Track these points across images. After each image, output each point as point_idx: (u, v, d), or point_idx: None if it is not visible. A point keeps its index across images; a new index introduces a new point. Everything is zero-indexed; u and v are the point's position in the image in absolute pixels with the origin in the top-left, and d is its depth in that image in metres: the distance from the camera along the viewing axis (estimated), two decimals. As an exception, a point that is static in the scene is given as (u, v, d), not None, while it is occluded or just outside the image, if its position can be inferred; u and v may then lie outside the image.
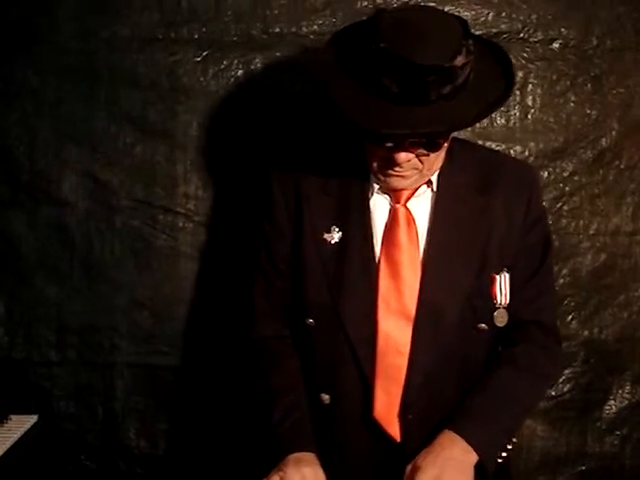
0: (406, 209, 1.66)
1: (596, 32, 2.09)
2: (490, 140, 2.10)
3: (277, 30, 2.07)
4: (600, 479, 2.20)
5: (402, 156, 1.53)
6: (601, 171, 2.13)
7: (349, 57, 1.56)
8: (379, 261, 1.65)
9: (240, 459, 2.11)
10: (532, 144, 2.11)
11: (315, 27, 2.07)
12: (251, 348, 1.78)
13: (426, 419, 1.64)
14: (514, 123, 2.11)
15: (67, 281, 2.16)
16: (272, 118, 2.10)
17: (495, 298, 1.67)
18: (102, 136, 2.12)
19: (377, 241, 1.66)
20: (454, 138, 1.66)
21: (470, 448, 1.57)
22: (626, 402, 2.18)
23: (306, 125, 2.07)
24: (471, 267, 1.65)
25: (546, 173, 2.12)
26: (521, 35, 2.09)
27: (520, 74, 2.09)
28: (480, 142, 2.07)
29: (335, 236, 1.67)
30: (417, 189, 1.66)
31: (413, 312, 1.63)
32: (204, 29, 2.08)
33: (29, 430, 1.95)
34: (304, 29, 2.07)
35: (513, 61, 1.99)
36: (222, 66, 2.09)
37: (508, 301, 1.68)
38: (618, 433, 2.19)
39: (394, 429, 1.65)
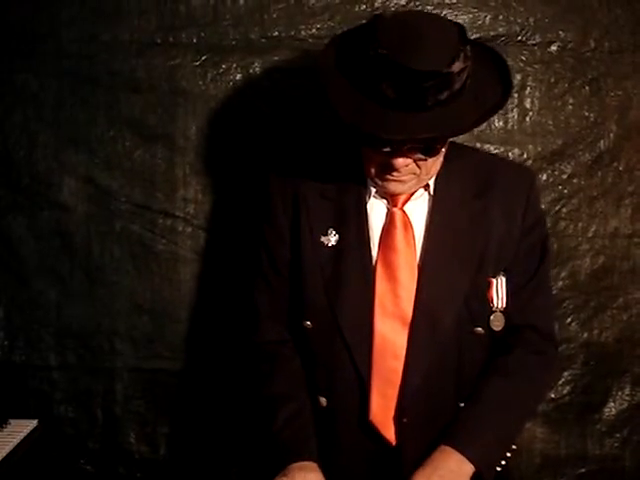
0: (403, 212, 1.66)
1: (594, 35, 2.10)
2: (488, 143, 2.10)
3: (275, 34, 2.08)
4: (600, 481, 2.20)
5: (400, 161, 1.54)
6: (600, 173, 2.13)
7: (348, 62, 1.56)
8: (376, 264, 1.65)
9: (240, 464, 2.11)
10: (530, 147, 2.12)
11: (314, 31, 2.07)
12: (254, 352, 1.79)
13: (422, 423, 1.64)
14: (512, 126, 2.11)
15: (67, 285, 2.16)
16: (271, 122, 2.10)
17: (491, 302, 1.68)
18: (101, 140, 2.13)
19: (374, 244, 1.67)
20: (451, 142, 1.66)
21: (465, 460, 1.58)
22: (626, 404, 2.18)
23: (304, 129, 2.08)
24: (468, 270, 1.65)
25: (544, 176, 2.12)
26: (519, 38, 2.09)
27: (518, 77, 2.09)
28: (478, 145, 2.07)
29: (332, 239, 1.68)
30: (414, 193, 1.67)
31: (409, 315, 1.64)
32: (203, 33, 2.09)
33: (29, 434, 1.95)
34: (302, 33, 2.07)
35: (511, 64, 2.03)
36: (221, 70, 2.10)
37: (505, 305, 1.68)
38: (618, 435, 2.19)
39: (389, 432, 1.66)
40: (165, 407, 2.19)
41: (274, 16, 2.08)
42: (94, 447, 2.20)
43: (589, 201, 2.14)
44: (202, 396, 2.17)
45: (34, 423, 2.00)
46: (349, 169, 1.70)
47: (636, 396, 2.18)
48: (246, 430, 2.08)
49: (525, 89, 2.11)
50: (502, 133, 2.11)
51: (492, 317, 1.68)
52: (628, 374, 2.18)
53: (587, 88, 2.11)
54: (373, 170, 1.60)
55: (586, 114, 2.12)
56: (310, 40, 2.07)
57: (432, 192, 1.68)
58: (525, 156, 2.11)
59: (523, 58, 2.10)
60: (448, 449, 1.59)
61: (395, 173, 1.57)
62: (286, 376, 1.72)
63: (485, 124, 2.09)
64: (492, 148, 2.09)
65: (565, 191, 2.13)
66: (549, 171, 2.12)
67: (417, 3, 2.07)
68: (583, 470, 2.19)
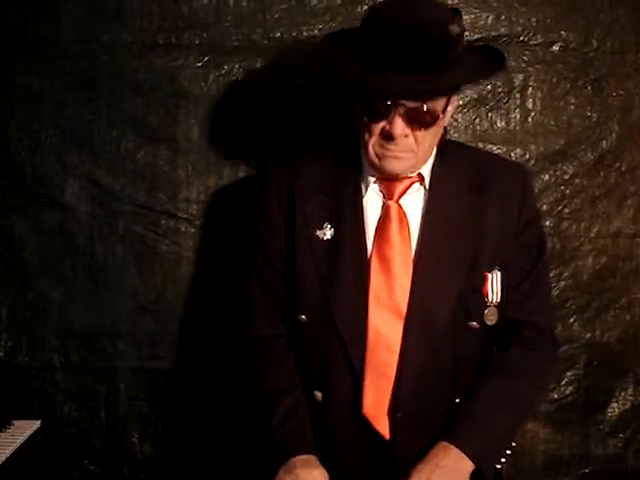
0: (399, 206, 1.67)
1: (596, 35, 2.10)
2: (491, 143, 2.10)
3: (278, 35, 2.08)
4: (603, 482, 2.20)
5: (398, 129, 1.55)
6: (602, 173, 2.13)
7: (347, 40, 1.64)
8: (371, 257, 1.66)
9: (243, 464, 2.10)
10: (533, 147, 2.12)
11: (315, 32, 2.07)
12: (248, 348, 1.79)
13: (415, 418, 1.64)
14: (515, 126, 2.11)
15: (70, 286, 2.17)
16: (273, 123, 2.11)
17: (486, 296, 1.68)
18: (104, 141, 2.13)
19: (369, 238, 1.67)
20: (448, 140, 1.69)
21: (464, 456, 1.58)
22: (629, 404, 2.18)
23: (306, 129, 2.08)
24: (463, 265, 1.66)
25: (547, 176, 2.12)
26: (521, 38, 2.09)
27: (520, 77, 2.10)
28: (481, 145, 2.08)
29: (327, 233, 1.69)
30: (410, 186, 1.68)
31: (404, 309, 1.64)
32: (205, 34, 2.09)
33: (32, 435, 1.95)
34: (304, 34, 2.08)
35: (513, 64, 2.06)
36: (223, 71, 2.10)
37: (499, 299, 1.69)
38: (621, 435, 2.19)
39: (383, 427, 1.65)
40: (168, 407, 2.19)
41: (276, 17, 2.08)
42: (97, 447, 2.20)
43: (591, 201, 2.14)
44: (205, 396, 2.17)
45: (37, 424, 2.00)
46: (345, 165, 1.72)
47: (639, 396, 2.18)
48: (248, 430, 2.08)
49: (527, 89, 2.11)
50: (504, 133, 2.12)
51: (486, 311, 1.68)
52: (631, 374, 2.18)
53: (589, 88, 2.11)
54: (372, 147, 1.61)
55: (588, 114, 2.12)
56: (312, 41, 2.07)
57: (427, 187, 1.69)
58: (527, 156, 2.12)
59: (525, 58, 2.10)
60: (447, 445, 1.59)
61: (393, 147, 1.58)
62: (281, 371, 1.72)
63: (488, 124, 2.11)
64: (494, 148, 2.10)
65: (567, 191, 2.13)
66: (551, 171, 2.12)
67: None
68: (586, 470, 2.19)
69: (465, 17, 2.05)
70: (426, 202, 1.68)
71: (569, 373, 2.17)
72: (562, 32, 2.10)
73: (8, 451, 1.82)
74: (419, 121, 1.57)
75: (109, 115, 2.13)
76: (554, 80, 2.11)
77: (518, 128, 2.11)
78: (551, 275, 2.11)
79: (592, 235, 2.14)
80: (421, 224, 1.67)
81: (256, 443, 1.80)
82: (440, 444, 1.60)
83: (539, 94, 2.11)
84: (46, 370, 2.18)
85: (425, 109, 1.55)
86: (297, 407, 1.67)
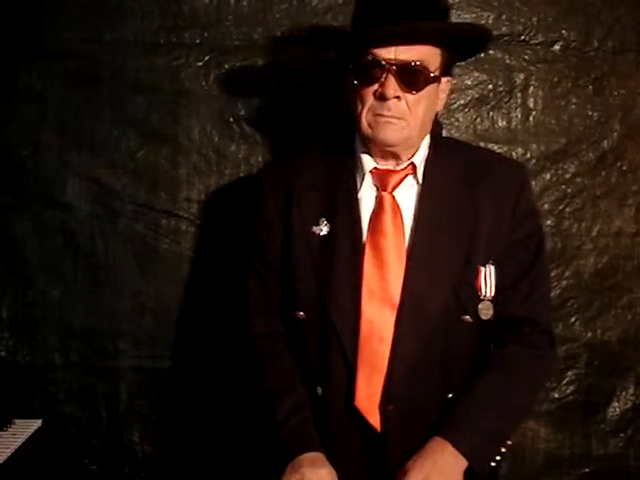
0: (392, 197, 1.68)
1: (597, 34, 2.10)
2: (492, 142, 2.11)
3: (278, 34, 2.08)
4: (604, 481, 2.20)
5: (390, 88, 1.58)
6: (603, 173, 2.13)
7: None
8: (364, 247, 1.67)
9: (244, 462, 2.10)
10: (534, 146, 2.12)
11: (317, 31, 2.08)
12: (246, 346, 1.79)
13: (407, 412, 1.64)
14: (516, 125, 2.11)
15: (71, 285, 2.17)
16: (274, 122, 2.11)
17: (480, 290, 1.68)
18: (105, 140, 2.14)
19: (364, 231, 1.68)
20: (445, 137, 1.72)
21: (459, 454, 1.58)
22: (630, 404, 2.18)
23: (306, 127, 2.08)
24: (456, 258, 1.66)
25: (548, 175, 2.12)
26: (522, 37, 2.10)
27: (521, 76, 2.10)
28: (482, 144, 2.08)
29: (324, 229, 1.70)
30: (404, 178, 1.69)
31: (397, 300, 1.64)
32: (206, 34, 2.10)
33: (33, 434, 1.95)
34: (305, 33, 2.08)
35: (514, 63, 2.07)
36: (224, 70, 2.10)
37: (493, 294, 1.68)
38: (622, 435, 2.19)
39: (375, 419, 1.65)
40: (169, 406, 2.19)
41: (277, 16, 2.09)
42: (98, 446, 2.20)
43: (593, 200, 2.14)
44: (206, 395, 2.17)
45: (38, 423, 2.00)
46: (340, 161, 1.73)
47: (640, 396, 2.18)
48: (248, 429, 2.08)
49: (528, 88, 2.11)
50: (505, 132, 2.12)
51: (480, 305, 1.68)
52: (632, 374, 2.18)
53: (590, 87, 2.12)
54: (365, 119, 1.63)
55: (589, 113, 2.12)
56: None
57: (421, 180, 1.70)
58: (528, 155, 2.12)
59: (526, 57, 2.10)
60: (442, 441, 1.59)
61: (386, 111, 1.60)
62: (281, 369, 1.73)
63: (489, 123, 2.12)
64: (495, 147, 2.10)
65: (569, 190, 2.13)
66: (552, 170, 2.12)
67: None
68: (587, 470, 2.19)
69: (466, 16, 2.07)
70: (419, 195, 1.69)
71: (570, 372, 2.17)
72: (563, 31, 2.10)
73: (9, 450, 1.82)
74: (410, 82, 1.59)
75: (110, 114, 2.13)
76: (555, 79, 2.11)
77: (519, 127, 2.11)
78: (552, 274, 2.12)
79: (593, 234, 2.14)
80: (414, 216, 1.68)
81: (256, 442, 1.80)
82: (435, 439, 1.60)
83: (540, 93, 2.11)
84: (47, 369, 2.18)
85: (416, 64, 1.58)
86: (299, 405, 1.67)
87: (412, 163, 1.69)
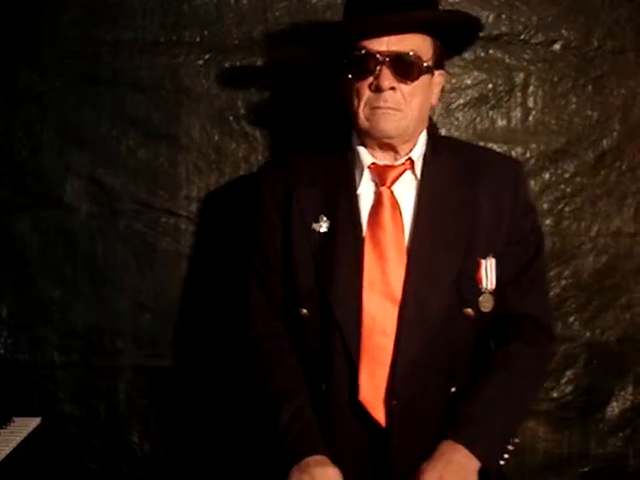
0: (391, 192, 1.69)
1: (597, 34, 2.10)
2: (491, 141, 2.11)
3: (278, 33, 2.08)
4: (603, 481, 2.20)
5: (385, 79, 1.60)
6: (603, 172, 2.13)
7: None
8: (364, 242, 1.68)
9: (243, 462, 2.10)
10: (533, 145, 2.12)
11: (316, 30, 2.08)
12: (250, 348, 1.80)
13: (411, 406, 1.65)
14: (515, 124, 2.12)
15: (70, 284, 2.17)
16: (274, 120, 2.11)
17: (480, 282, 1.69)
18: (105, 139, 2.14)
19: (364, 226, 1.69)
20: (440, 135, 1.74)
21: (472, 455, 1.58)
22: (629, 403, 2.18)
23: (306, 126, 2.09)
24: (456, 251, 1.67)
25: (547, 175, 2.12)
26: (522, 37, 2.10)
27: (521, 76, 2.10)
28: (482, 143, 2.08)
29: (323, 225, 1.71)
30: (402, 173, 1.70)
31: (399, 294, 1.65)
32: (206, 32, 2.10)
33: (32, 433, 1.94)
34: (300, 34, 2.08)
35: (514, 63, 2.07)
36: (224, 69, 2.10)
37: (494, 286, 1.69)
38: (621, 434, 2.19)
39: (379, 414, 1.66)
40: (168, 406, 2.19)
41: (277, 15, 2.09)
42: (97, 445, 2.20)
43: (592, 200, 2.14)
44: (206, 395, 2.17)
45: (37, 421, 2.00)
46: (339, 158, 1.75)
47: (639, 395, 2.18)
48: (249, 428, 2.08)
49: (528, 88, 2.11)
50: (505, 132, 2.12)
51: (481, 298, 1.69)
52: (631, 373, 2.18)
53: (590, 87, 2.12)
54: (362, 113, 1.65)
55: (589, 113, 2.12)
56: (313, 39, 2.07)
57: (419, 176, 1.71)
58: (528, 155, 2.12)
59: (526, 57, 2.10)
60: (454, 444, 1.60)
61: (382, 103, 1.62)
62: (286, 371, 1.73)
63: (488, 122, 2.12)
64: (495, 146, 2.10)
65: (568, 190, 2.14)
66: (552, 170, 2.13)
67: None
68: (586, 469, 2.19)
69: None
70: (418, 190, 1.70)
71: (569, 372, 2.17)
72: (563, 31, 2.10)
73: (8, 448, 1.82)
74: (404, 73, 1.62)
75: (110, 113, 2.13)
76: (555, 79, 2.11)
77: (519, 127, 2.12)
78: (551, 274, 2.13)
79: (592, 234, 2.15)
80: (414, 212, 1.69)
81: (257, 442, 1.81)
82: (446, 442, 1.61)
83: (540, 93, 2.11)
84: (47, 368, 2.18)
85: (408, 54, 1.61)
86: (304, 407, 1.68)
87: (410, 158, 1.71)
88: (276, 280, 1.76)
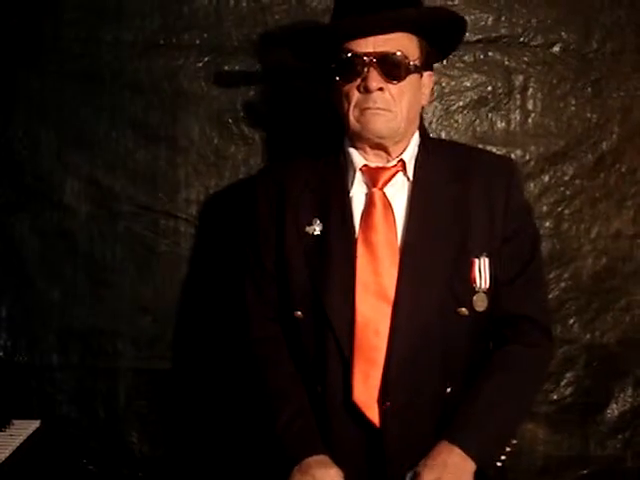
0: (382, 193, 1.70)
1: (596, 36, 2.10)
2: (491, 144, 2.11)
3: (278, 36, 2.08)
4: (602, 483, 2.20)
5: (373, 80, 1.62)
6: (602, 175, 2.13)
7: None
8: (357, 244, 1.68)
9: (243, 463, 2.10)
10: (533, 148, 2.12)
11: (315, 32, 2.08)
12: (247, 351, 1.80)
13: (405, 406, 1.65)
14: (514, 127, 2.12)
15: (70, 285, 2.17)
16: (273, 123, 2.11)
17: (474, 282, 1.69)
18: (104, 141, 2.14)
19: (357, 228, 1.70)
20: (432, 137, 1.78)
21: (467, 457, 1.58)
22: (628, 405, 2.18)
23: (305, 129, 2.09)
24: (449, 251, 1.68)
25: (547, 177, 2.12)
26: (521, 39, 2.10)
27: (520, 78, 2.11)
28: (481, 146, 2.08)
29: (317, 228, 1.72)
30: (394, 175, 1.71)
31: (392, 294, 1.65)
32: (205, 35, 2.10)
33: (31, 435, 1.94)
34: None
35: (513, 65, 2.08)
36: (223, 71, 2.10)
37: (488, 286, 1.69)
38: (620, 437, 2.19)
39: (373, 414, 1.66)
40: (167, 407, 2.19)
41: (276, 17, 2.09)
42: (97, 447, 2.20)
43: (591, 202, 2.14)
44: (204, 396, 2.17)
45: (37, 423, 2.00)
46: (331, 162, 1.76)
47: (638, 398, 2.18)
48: (248, 430, 2.08)
49: (527, 90, 2.11)
50: (504, 134, 2.12)
51: (475, 297, 1.69)
52: (630, 375, 2.18)
53: (589, 89, 2.12)
54: (352, 115, 1.67)
55: (588, 115, 2.12)
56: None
57: (411, 177, 1.72)
58: (527, 157, 2.12)
59: (525, 59, 2.11)
60: (450, 445, 1.60)
61: (371, 104, 1.64)
62: (282, 373, 1.74)
63: (487, 125, 2.12)
64: (494, 149, 2.10)
65: (567, 192, 2.13)
66: (551, 172, 2.13)
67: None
68: (585, 471, 2.19)
69: (465, 18, 2.04)
70: (410, 192, 1.71)
71: (569, 374, 2.17)
72: (562, 33, 2.10)
73: (8, 451, 1.82)
74: (392, 73, 1.64)
75: (109, 115, 2.13)
76: (554, 81, 2.11)
77: (518, 129, 2.12)
78: (551, 276, 2.13)
79: (592, 236, 2.15)
80: (406, 212, 1.70)
81: (256, 443, 1.80)
82: (442, 443, 1.61)
83: (539, 95, 2.11)
84: (46, 370, 2.18)
85: (395, 54, 1.63)
86: (303, 407, 1.68)
87: (402, 160, 1.72)
88: (271, 284, 1.77)
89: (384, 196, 1.70)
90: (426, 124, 2.08)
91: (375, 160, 1.73)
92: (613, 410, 2.18)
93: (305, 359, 1.73)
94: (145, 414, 2.19)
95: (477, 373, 1.70)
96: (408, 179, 1.72)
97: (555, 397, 2.17)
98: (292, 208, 1.74)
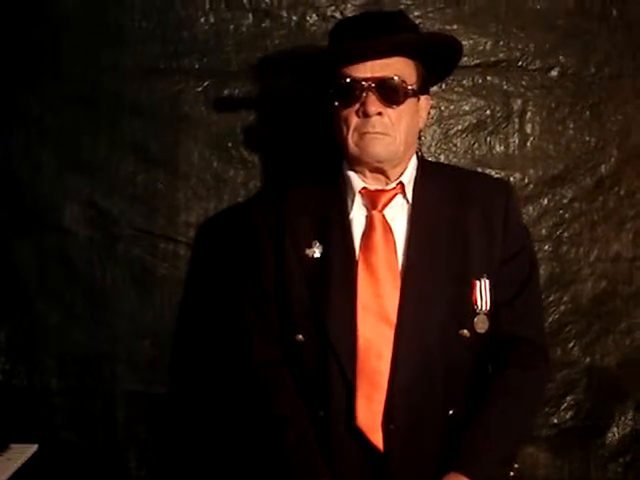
0: (382, 215, 1.71)
1: (594, 60, 2.11)
2: (489, 167, 2.11)
3: (277, 60, 2.09)
4: (603, 507, 2.19)
5: (371, 105, 1.65)
6: (601, 198, 2.14)
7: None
8: (357, 266, 1.69)
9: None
10: (531, 171, 2.13)
11: (315, 57, 2.09)
12: (249, 376, 1.79)
13: (409, 430, 1.65)
14: (513, 150, 2.12)
15: (69, 309, 2.16)
16: (273, 147, 2.12)
17: (475, 303, 1.70)
18: (104, 164, 2.14)
19: (357, 250, 1.71)
20: (429, 161, 1.81)
21: None
22: (629, 429, 2.17)
23: (305, 154, 2.09)
24: (450, 273, 1.69)
25: (546, 200, 2.13)
26: (519, 63, 2.11)
27: (519, 102, 2.11)
28: (480, 169, 2.08)
29: (317, 251, 1.72)
30: (393, 197, 1.72)
31: (394, 317, 1.66)
32: (205, 59, 2.11)
33: (29, 459, 1.94)
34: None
35: (511, 89, 2.09)
36: (223, 96, 2.11)
37: (489, 307, 1.70)
38: (621, 460, 2.18)
39: (377, 438, 1.65)
40: (166, 432, 2.18)
41: (276, 42, 2.10)
42: (95, 471, 2.18)
43: (590, 225, 2.14)
44: (203, 421, 2.16)
45: (35, 447, 1.99)
46: (330, 185, 1.77)
47: (639, 421, 2.17)
48: (247, 454, 2.07)
49: (526, 114, 2.12)
50: (503, 158, 2.12)
51: (476, 319, 1.70)
52: (631, 399, 2.17)
53: (588, 113, 2.13)
54: (351, 140, 1.69)
55: (587, 139, 2.13)
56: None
57: (410, 200, 1.73)
58: (526, 181, 2.12)
59: (524, 83, 2.11)
60: (458, 475, 1.59)
61: (370, 128, 1.66)
62: (285, 398, 1.73)
63: (486, 148, 2.12)
64: (493, 172, 2.10)
65: (566, 215, 2.14)
66: (550, 195, 2.13)
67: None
68: (587, 495, 2.18)
69: (464, 42, 2.04)
70: (409, 214, 1.72)
71: (569, 397, 2.16)
72: (560, 57, 2.11)
73: (5, 475, 1.82)
74: (390, 97, 1.66)
75: (109, 139, 2.14)
76: (553, 105, 2.12)
77: (517, 153, 2.12)
78: (550, 299, 2.13)
79: (591, 259, 2.15)
80: (406, 235, 1.71)
81: (256, 468, 1.80)
82: (451, 474, 1.60)
83: (538, 119, 2.12)
84: (44, 393, 2.17)
85: (393, 79, 1.65)
86: (306, 433, 1.68)
87: (401, 182, 1.73)
88: (271, 307, 1.77)
89: (384, 218, 1.71)
90: (425, 148, 2.10)
91: (374, 183, 1.74)
92: (614, 433, 2.18)
93: (307, 383, 1.73)
94: (144, 439, 2.18)
95: (479, 395, 1.70)
96: (407, 201, 1.73)
97: (556, 421, 2.16)
98: (290, 231, 1.74)
